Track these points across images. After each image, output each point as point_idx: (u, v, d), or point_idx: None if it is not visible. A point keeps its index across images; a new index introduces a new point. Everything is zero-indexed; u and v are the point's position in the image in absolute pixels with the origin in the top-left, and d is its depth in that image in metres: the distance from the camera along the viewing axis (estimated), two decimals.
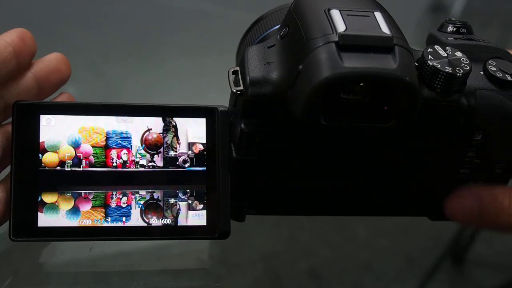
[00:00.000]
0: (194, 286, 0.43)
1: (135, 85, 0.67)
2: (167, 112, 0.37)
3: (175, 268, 0.44)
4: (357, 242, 0.51)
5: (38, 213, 0.36)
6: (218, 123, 0.37)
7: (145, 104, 0.37)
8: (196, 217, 0.37)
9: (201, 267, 0.45)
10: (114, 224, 0.37)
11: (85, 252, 0.41)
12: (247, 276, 0.47)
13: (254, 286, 0.47)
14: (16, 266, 0.42)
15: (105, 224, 0.37)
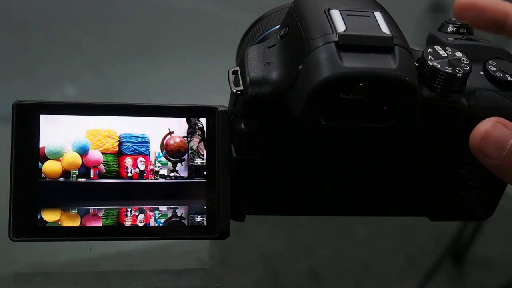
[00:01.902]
0: (194, 286, 0.43)
1: (134, 85, 0.67)
2: (167, 112, 0.37)
3: (175, 268, 0.44)
4: (357, 242, 0.51)
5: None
6: (218, 123, 0.37)
7: (145, 104, 0.37)
8: (196, 217, 0.37)
9: (201, 267, 0.45)
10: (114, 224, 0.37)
11: (85, 252, 0.41)
12: (247, 276, 0.47)
13: (254, 286, 0.47)
14: (16, 266, 0.42)
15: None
